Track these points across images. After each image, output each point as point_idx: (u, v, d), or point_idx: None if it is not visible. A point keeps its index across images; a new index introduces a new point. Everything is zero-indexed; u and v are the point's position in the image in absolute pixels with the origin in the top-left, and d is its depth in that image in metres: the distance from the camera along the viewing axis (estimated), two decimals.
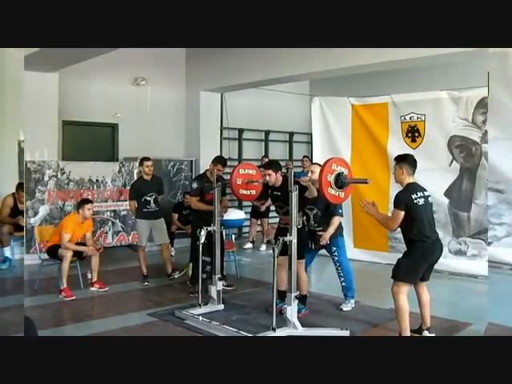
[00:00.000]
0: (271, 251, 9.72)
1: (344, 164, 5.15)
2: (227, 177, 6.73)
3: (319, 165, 5.99)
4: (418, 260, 4.79)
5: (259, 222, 10.46)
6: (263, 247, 10.16)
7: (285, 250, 5.28)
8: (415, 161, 4.90)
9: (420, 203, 4.71)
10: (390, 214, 8.08)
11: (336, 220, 5.86)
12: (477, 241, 7.62)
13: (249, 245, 10.18)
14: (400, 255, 8.19)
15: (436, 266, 5.05)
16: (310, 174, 5.85)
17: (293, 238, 5.02)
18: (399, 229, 7.93)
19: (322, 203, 5.76)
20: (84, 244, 6.87)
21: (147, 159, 7.33)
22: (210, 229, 5.89)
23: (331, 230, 5.81)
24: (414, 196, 4.70)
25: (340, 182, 4.97)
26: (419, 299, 5.05)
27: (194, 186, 6.65)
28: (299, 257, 5.25)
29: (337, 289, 6.51)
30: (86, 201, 7.04)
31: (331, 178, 4.93)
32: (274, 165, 5.76)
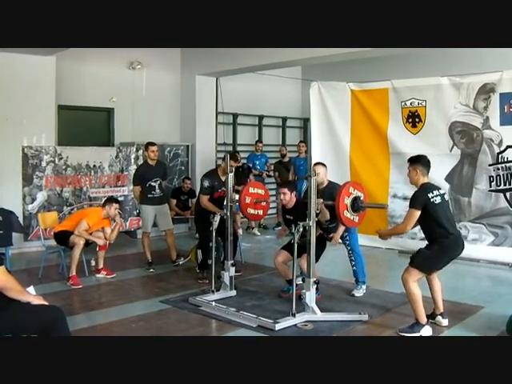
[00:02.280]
0: (268, 236, 9.89)
1: (360, 188, 5.23)
2: None
3: (323, 164, 5.98)
4: (440, 255, 4.78)
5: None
6: (257, 232, 10.21)
7: (288, 246, 5.49)
8: (429, 161, 4.94)
9: (437, 201, 4.73)
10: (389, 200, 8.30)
11: None
12: (477, 225, 7.72)
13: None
14: (400, 240, 8.28)
15: None
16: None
17: (311, 223, 5.02)
18: (398, 213, 8.05)
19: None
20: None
21: (153, 144, 7.24)
22: (222, 214, 5.89)
23: (340, 230, 5.82)
24: (430, 195, 4.72)
25: (356, 205, 5.04)
26: (431, 286, 5.09)
27: (206, 184, 6.55)
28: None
29: (343, 273, 6.60)
30: (116, 200, 7.07)
31: (348, 201, 5.00)
32: (289, 184, 5.90)
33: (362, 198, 5.11)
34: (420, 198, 4.73)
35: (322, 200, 5.39)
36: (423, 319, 4.84)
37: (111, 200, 6.99)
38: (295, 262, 5.19)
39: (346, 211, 4.97)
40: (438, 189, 4.86)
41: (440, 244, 4.74)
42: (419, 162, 4.89)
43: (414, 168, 4.87)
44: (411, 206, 4.76)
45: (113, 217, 6.83)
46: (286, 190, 5.68)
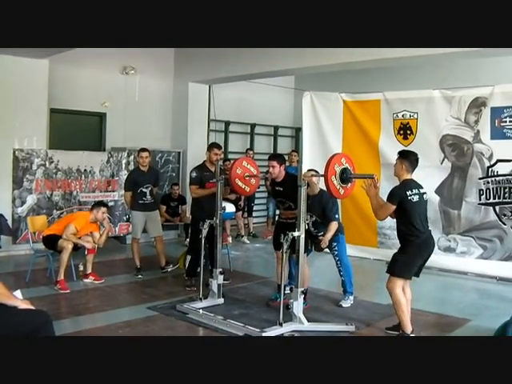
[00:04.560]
0: (257, 245, 9.88)
1: (351, 164, 5.23)
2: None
3: (315, 171, 6.00)
4: (413, 256, 4.86)
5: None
6: (246, 240, 10.20)
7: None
8: (417, 160, 5.00)
9: (414, 200, 4.79)
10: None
11: (333, 225, 5.90)
12: (466, 238, 7.74)
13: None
14: (389, 251, 8.32)
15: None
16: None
17: (301, 233, 5.03)
18: (388, 224, 8.05)
19: (319, 209, 5.84)
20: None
21: (144, 150, 7.23)
22: (211, 222, 5.87)
23: (329, 235, 5.85)
24: (408, 192, 4.79)
25: (345, 176, 5.04)
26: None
27: (193, 175, 6.55)
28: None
29: (331, 283, 6.61)
30: (103, 204, 7.07)
31: (338, 169, 5.01)
32: (278, 157, 5.80)
33: (351, 171, 5.13)
34: (397, 194, 4.81)
35: (311, 173, 5.45)
36: (408, 328, 4.90)
37: (99, 204, 6.97)
38: (285, 270, 5.18)
39: (333, 177, 4.96)
40: (419, 187, 4.92)
41: (411, 244, 4.82)
42: (407, 158, 4.95)
43: (401, 162, 4.94)
44: (387, 199, 4.87)
45: (101, 221, 6.80)
46: (275, 163, 5.58)
